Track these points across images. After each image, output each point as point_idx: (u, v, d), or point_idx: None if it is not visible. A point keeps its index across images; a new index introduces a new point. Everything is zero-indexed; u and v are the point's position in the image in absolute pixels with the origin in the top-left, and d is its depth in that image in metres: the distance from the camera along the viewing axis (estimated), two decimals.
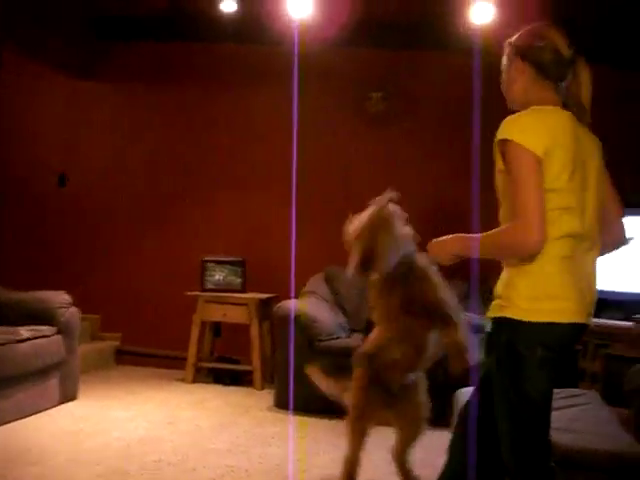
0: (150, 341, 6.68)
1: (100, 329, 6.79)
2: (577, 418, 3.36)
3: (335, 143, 6.54)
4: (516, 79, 2.56)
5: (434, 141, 6.43)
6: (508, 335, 2.34)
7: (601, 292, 5.37)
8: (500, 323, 2.37)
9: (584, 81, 2.49)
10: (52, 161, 6.97)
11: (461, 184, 6.15)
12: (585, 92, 2.49)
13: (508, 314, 2.34)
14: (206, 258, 6.28)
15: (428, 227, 6.23)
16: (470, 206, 5.92)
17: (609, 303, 5.28)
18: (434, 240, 2.58)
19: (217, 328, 6.45)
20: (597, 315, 5.25)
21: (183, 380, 6.09)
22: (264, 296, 6.15)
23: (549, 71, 2.48)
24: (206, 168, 6.75)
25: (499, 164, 2.43)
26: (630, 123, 6.00)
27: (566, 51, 2.49)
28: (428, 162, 6.42)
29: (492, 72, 5.64)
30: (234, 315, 6.07)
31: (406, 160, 6.45)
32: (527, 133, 2.32)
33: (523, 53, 2.54)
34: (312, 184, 6.24)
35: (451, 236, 2.53)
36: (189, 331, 6.11)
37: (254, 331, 5.99)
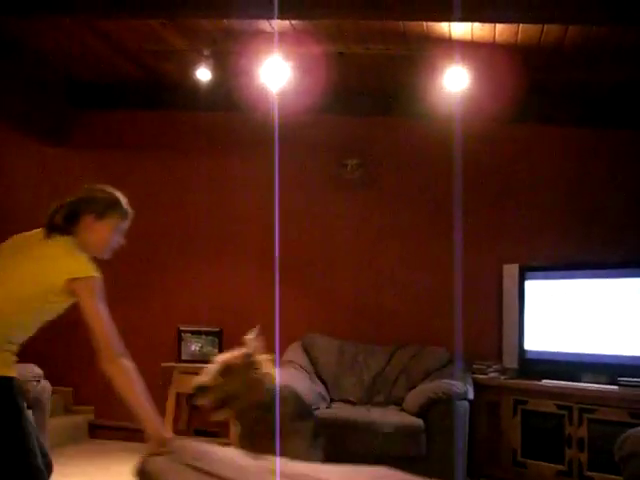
0: (124, 414, 6.43)
1: (73, 402, 6.61)
2: None
3: (312, 210, 6.51)
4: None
5: (412, 207, 6.40)
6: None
7: (585, 355, 5.33)
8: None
9: None
10: (20, 226, 6.83)
11: (441, 251, 6.15)
12: None
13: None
14: (182, 328, 6.17)
15: (408, 293, 6.26)
16: (452, 272, 5.92)
17: (593, 367, 5.23)
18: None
19: None
20: (581, 379, 5.21)
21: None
22: None
23: None
24: (184, 236, 6.68)
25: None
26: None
27: None
28: (406, 228, 6.39)
29: (468, 138, 5.77)
30: None
31: (384, 227, 6.43)
32: None
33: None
34: (291, 252, 6.18)
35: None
36: (165, 403, 5.95)
37: None
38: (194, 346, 6.15)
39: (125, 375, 2.89)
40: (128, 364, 2.89)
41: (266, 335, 5.44)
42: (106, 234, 3.13)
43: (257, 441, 3.40)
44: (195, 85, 5.83)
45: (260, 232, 6.24)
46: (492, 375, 5.66)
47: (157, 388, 6.05)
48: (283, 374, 5.31)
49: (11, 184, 6.94)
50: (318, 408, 5.26)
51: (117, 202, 3.18)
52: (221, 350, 6.14)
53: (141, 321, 6.58)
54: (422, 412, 4.99)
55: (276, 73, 5.44)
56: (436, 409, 4.96)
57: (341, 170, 6.46)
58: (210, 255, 6.63)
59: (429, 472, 4.82)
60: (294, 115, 6.06)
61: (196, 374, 5.82)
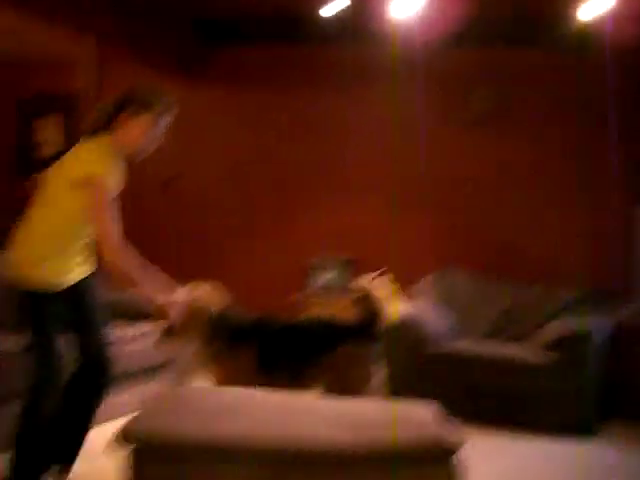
0: None
1: None
2: None
3: (439, 143, 6.37)
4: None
5: (541, 141, 6.22)
6: None
7: None
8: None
9: None
10: (159, 165, 7.01)
11: (573, 188, 5.99)
12: None
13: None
14: (314, 259, 6.26)
15: (538, 230, 6.11)
16: (583, 210, 5.77)
17: None
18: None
19: None
20: None
21: None
22: None
23: None
24: (313, 169, 6.74)
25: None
26: None
27: None
28: (536, 164, 6.22)
29: (603, 71, 5.49)
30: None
31: (513, 162, 6.28)
32: None
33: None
34: (420, 186, 6.16)
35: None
36: None
37: None
38: (325, 276, 6.23)
39: (127, 260, 3.06)
40: (129, 252, 3.07)
41: (397, 264, 5.46)
42: (139, 132, 3.15)
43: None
44: (323, 19, 5.72)
45: (390, 164, 6.22)
46: (626, 313, 5.50)
47: None
48: (413, 306, 5.34)
49: None
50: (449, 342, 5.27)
51: (153, 100, 3.16)
52: (353, 279, 6.22)
53: (275, 254, 6.73)
54: (553, 348, 4.93)
55: (406, 5, 5.30)
56: (567, 346, 4.87)
57: (470, 103, 6.32)
58: (341, 186, 6.66)
59: (558, 409, 4.81)
60: (425, 46, 5.91)
61: (325, 305, 5.99)
